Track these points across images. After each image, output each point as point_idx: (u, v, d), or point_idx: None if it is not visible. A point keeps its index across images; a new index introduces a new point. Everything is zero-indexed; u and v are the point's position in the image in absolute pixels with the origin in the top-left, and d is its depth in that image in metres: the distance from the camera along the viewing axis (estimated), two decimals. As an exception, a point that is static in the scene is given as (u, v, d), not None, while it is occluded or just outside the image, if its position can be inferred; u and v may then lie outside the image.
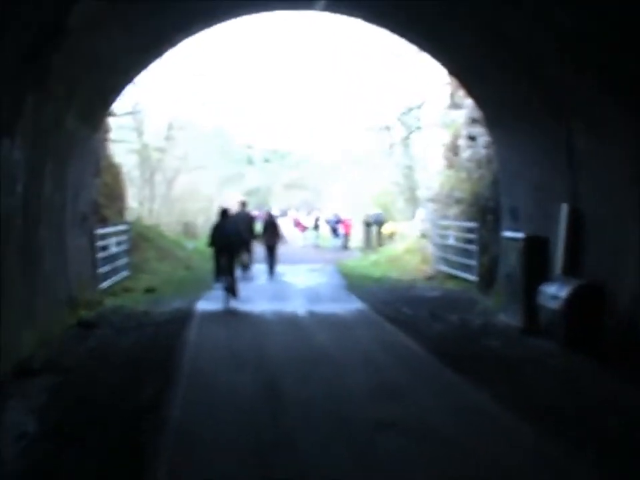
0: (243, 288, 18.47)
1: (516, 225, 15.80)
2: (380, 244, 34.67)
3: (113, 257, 19.29)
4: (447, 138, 25.07)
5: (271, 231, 24.38)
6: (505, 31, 12.87)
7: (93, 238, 17.48)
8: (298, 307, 15.90)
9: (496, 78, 15.38)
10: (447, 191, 23.02)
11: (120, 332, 12.93)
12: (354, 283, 20.51)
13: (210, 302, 16.56)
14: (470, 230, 19.40)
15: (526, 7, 11.46)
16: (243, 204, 24.46)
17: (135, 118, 45.54)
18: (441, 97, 42.11)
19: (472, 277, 18.61)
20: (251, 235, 22.78)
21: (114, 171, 27.39)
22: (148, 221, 45.50)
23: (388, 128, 45.58)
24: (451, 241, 20.90)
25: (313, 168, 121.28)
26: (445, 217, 22.61)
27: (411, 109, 43.72)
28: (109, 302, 16.45)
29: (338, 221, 40.72)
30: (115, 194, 26.23)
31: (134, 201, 46.06)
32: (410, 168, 51.42)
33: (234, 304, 16.16)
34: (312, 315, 14.80)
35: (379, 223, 36.34)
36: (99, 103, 16.27)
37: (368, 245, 34.63)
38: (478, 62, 15.45)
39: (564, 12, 10.73)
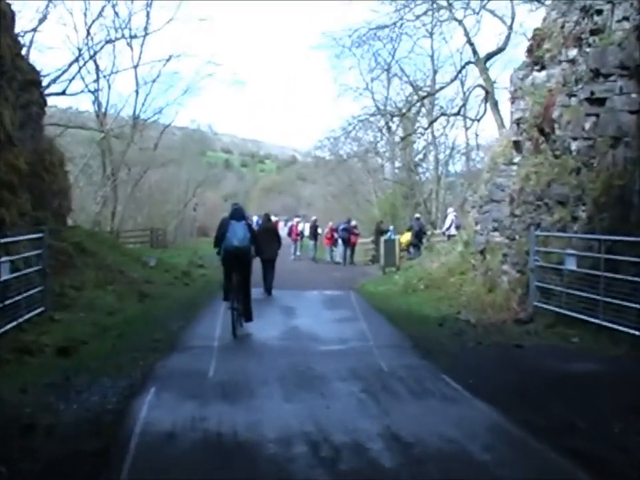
0: (229, 346, 10.12)
1: None
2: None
3: (5, 288, 10.66)
4: (521, 112, 16.65)
5: (269, 239, 16.87)
6: None
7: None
8: (360, 421, 6.85)
9: None
10: (537, 187, 14.59)
11: None
12: (416, 333, 11.94)
13: (172, 395, 7.82)
14: (610, 248, 11.04)
15: None
16: (267, 216, 19.66)
17: (95, 101, 36.83)
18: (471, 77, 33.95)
19: (631, 330, 10.19)
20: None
21: (49, 159, 18.92)
22: (108, 226, 36.91)
23: (390, 118, 36.86)
24: (571, 266, 12.39)
25: (293, 172, 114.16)
26: (531, 226, 14.26)
27: (424, 97, 35.24)
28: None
29: (348, 229, 31.63)
30: (48, 189, 17.88)
31: (93, 203, 37.41)
32: (414, 168, 43.15)
33: (247, 329, 12.11)
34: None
35: (421, 230, 27.74)
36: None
37: (388, 260, 25.22)
38: None
39: None
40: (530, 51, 16.99)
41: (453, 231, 27.41)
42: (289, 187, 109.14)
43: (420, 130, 37.31)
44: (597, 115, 12.82)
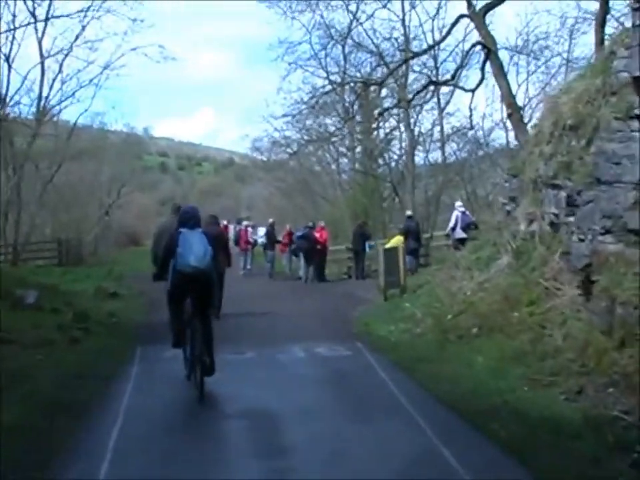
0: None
1: None
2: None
3: None
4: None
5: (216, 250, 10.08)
6: None
7: None
8: None
9: None
10: None
11: None
12: None
13: None
14: None
15: None
16: (214, 218, 15.03)
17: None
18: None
19: None
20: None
21: None
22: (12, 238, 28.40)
23: (364, 88, 29.14)
24: None
25: (231, 174, 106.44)
26: None
27: (412, 56, 27.34)
28: None
29: (306, 236, 23.17)
30: None
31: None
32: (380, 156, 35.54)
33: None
34: None
35: (418, 232, 20.77)
36: None
37: (390, 278, 16.12)
38: None
39: None
40: None
41: (459, 232, 19.80)
42: (227, 189, 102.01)
43: (402, 104, 29.44)
44: None
